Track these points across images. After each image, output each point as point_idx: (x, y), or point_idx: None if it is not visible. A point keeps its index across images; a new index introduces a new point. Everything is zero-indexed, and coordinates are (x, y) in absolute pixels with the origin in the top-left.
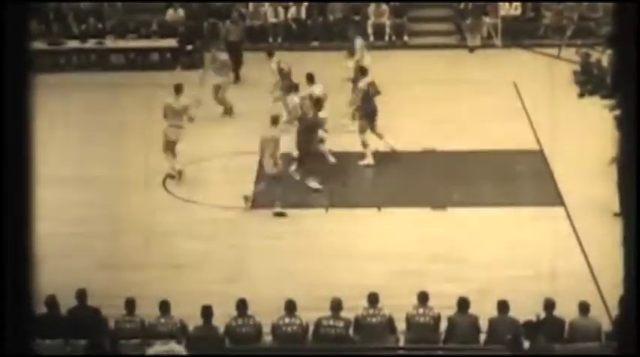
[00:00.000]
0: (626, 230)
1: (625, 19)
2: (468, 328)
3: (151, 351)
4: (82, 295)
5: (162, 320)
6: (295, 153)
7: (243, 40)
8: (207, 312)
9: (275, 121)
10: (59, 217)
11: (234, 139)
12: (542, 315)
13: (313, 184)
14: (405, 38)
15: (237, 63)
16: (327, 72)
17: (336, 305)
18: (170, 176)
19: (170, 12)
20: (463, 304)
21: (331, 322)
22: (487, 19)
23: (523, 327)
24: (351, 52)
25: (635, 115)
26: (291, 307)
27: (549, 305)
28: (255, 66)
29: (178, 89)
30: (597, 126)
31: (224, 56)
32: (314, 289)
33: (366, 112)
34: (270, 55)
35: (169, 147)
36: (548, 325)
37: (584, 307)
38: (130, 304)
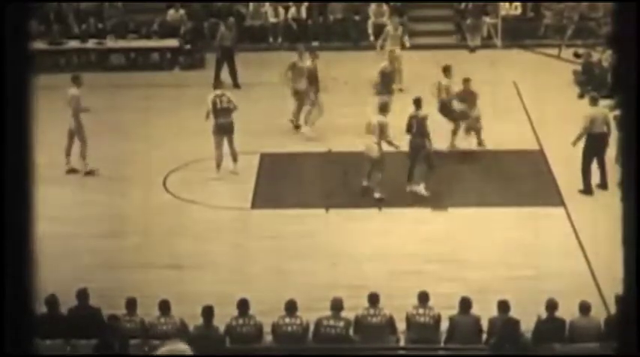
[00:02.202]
0: (626, 230)
1: (625, 19)
2: (470, 329)
3: (160, 351)
4: (82, 294)
5: (162, 320)
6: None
7: (235, 46)
8: (207, 312)
9: (383, 108)
10: (59, 217)
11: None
12: (544, 315)
13: (419, 188)
14: (405, 38)
15: (231, 69)
16: (327, 72)
17: (337, 305)
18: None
19: (171, 12)
20: (465, 304)
21: (331, 322)
22: (487, 19)
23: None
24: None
25: (635, 115)
26: (291, 307)
27: (551, 306)
28: (255, 67)
29: (75, 79)
30: None
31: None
32: (314, 289)
33: None
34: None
35: (70, 136)
36: (548, 325)
37: (584, 307)
38: (131, 304)
